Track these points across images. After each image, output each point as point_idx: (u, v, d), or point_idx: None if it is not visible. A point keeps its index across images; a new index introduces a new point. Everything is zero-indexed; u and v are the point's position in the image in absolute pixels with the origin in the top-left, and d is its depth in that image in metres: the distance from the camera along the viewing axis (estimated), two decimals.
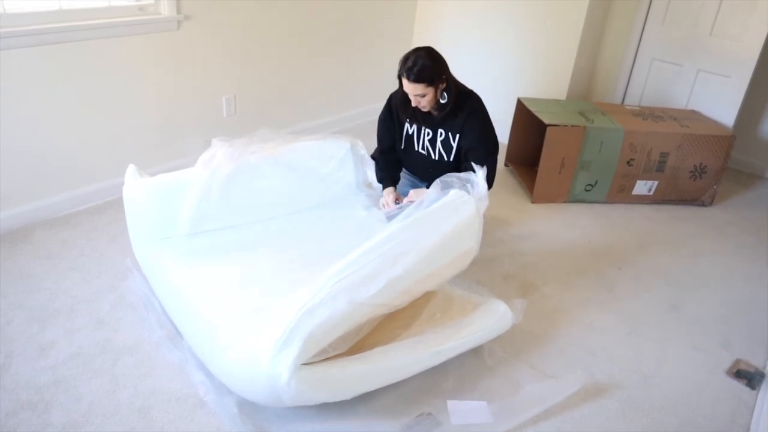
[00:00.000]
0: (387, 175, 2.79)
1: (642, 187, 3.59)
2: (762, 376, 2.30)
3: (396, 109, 2.72)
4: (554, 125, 3.35)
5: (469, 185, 2.17)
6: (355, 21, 4.18)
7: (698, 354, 2.41)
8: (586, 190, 3.57)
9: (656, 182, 3.58)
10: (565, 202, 3.60)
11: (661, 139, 3.45)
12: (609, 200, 3.62)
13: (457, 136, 2.61)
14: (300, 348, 1.71)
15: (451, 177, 2.18)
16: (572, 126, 3.38)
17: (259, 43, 3.64)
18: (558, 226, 3.33)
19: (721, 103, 3.83)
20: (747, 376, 2.29)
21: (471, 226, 2.10)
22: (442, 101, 2.53)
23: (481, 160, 2.44)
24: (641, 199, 3.64)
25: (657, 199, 3.65)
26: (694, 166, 3.54)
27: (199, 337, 2.05)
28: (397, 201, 2.68)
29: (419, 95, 2.47)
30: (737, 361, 2.38)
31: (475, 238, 2.14)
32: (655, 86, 4.17)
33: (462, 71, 4.53)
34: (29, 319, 2.29)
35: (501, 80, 4.37)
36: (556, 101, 3.83)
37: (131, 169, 2.41)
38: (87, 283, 2.52)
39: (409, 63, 2.41)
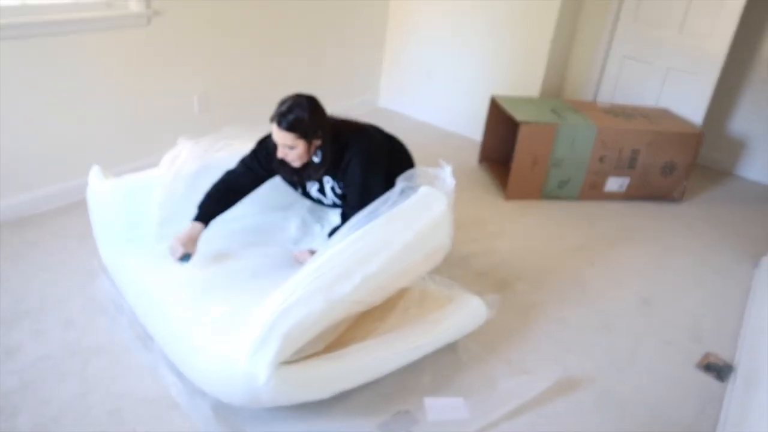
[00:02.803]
0: (209, 206, 2.29)
1: (614, 184, 3.64)
2: (730, 368, 2.34)
3: (268, 158, 2.32)
4: (527, 123, 3.37)
5: (437, 181, 2.17)
6: (328, 19, 4.16)
7: (669, 348, 2.45)
8: (559, 187, 3.61)
9: (628, 179, 3.63)
10: (538, 199, 3.63)
11: (633, 137, 3.50)
12: (582, 197, 3.66)
13: (341, 184, 2.33)
14: (277, 347, 1.69)
15: (418, 171, 2.18)
16: (545, 123, 3.41)
17: (231, 39, 3.60)
18: (531, 223, 3.35)
19: (690, 100, 3.89)
20: (716, 369, 2.34)
21: (443, 222, 2.11)
22: (315, 159, 2.23)
23: (355, 205, 2.18)
24: (613, 196, 3.69)
25: (629, 196, 3.71)
26: (665, 162, 3.60)
27: (171, 340, 2.02)
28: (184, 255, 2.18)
29: (287, 146, 2.14)
30: (707, 355, 2.43)
31: (447, 233, 2.14)
32: (626, 84, 4.23)
33: (435, 70, 4.59)
34: None
35: (474, 79, 4.38)
36: (529, 99, 3.86)
37: (95, 170, 2.35)
38: (55, 284, 2.47)
39: (283, 108, 2.11)
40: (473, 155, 4.14)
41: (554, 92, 4.38)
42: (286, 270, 2.17)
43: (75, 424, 1.84)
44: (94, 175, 2.35)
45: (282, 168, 2.30)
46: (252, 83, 3.85)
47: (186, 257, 2.18)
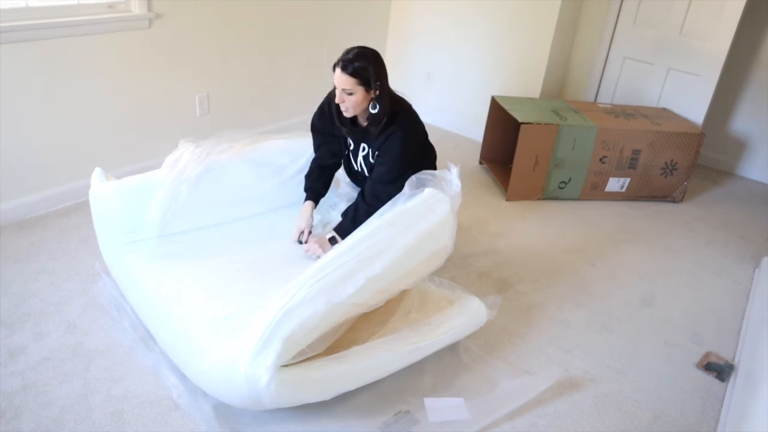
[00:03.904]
0: (310, 186, 2.55)
1: (615, 184, 3.64)
2: (731, 368, 2.35)
3: (330, 109, 2.45)
4: (528, 123, 3.38)
5: (443, 183, 2.18)
6: (329, 20, 4.16)
7: (670, 348, 2.45)
8: (560, 188, 3.61)
9: (628, 179, 3.63)
10: (539, 199, 3.64)
11: (633, 137, 3.50)
12: (582, 197, 3.67)
13: (376, 154, 2.40)
14: (279, 350, 1.69)
15: (425, 174, 2.18)
16: (546, 124, 3.41)
17: (233, 41, 3.61)
18: (532, 224, 3.35)
19: (691, 100, 3.90)
20: (717, 369, 2.34)
21: (446, 224, 2.11)
22: (372, 111, 2.28)
23: (379, 183, 2.32)
24: (614, 196, 3.69)
25: (629, 196, 3.71)
26: (665, 163, 3.60)
27: (173, 341, 2.02)
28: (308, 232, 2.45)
29: (346, 91, 2.21)
30: (707, 354, 2.43)
31: (450, 235, 2.15)
32: (627, 84, 4.23)
33: (436, 71, 4.59)
34: None
35: (475, 79, 4.39)
36: (530, 99, 3.86)
37: (97, 172, 2.36)
38: (57, 286, 2.48)
39: (350, 55, 2.20)
40: (474, 156, 4.14)
41: (555, 93, 4.38)
42: (288, 270, 2.18)
43: (77, 426, 1.85)
44: (96, 177, 2.36)
45: (335, 116, 2.39)
46: (253, 85, 3.85)
47: (300, 242, 2.42)
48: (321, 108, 2.51)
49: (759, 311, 2.56)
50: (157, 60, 3.25)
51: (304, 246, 2.40)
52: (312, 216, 2.51)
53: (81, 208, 3.04)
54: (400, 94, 2.44)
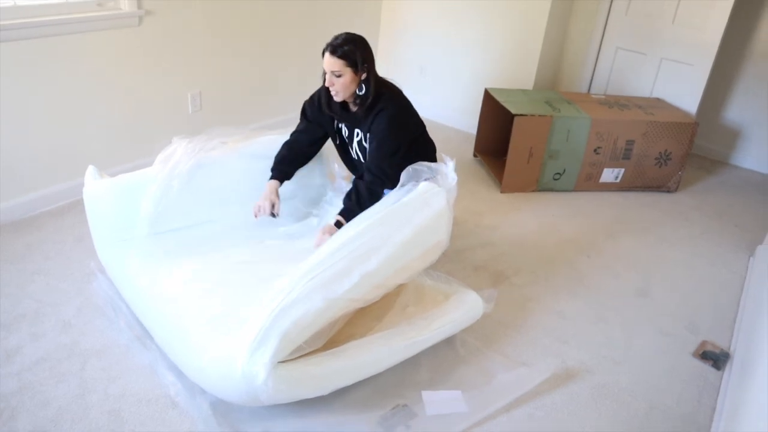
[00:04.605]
0: (279, 167, 2.54)
1: (609, 175, 3.65)
2: (727, 356, 2.36)
3: (321, 99, 2.50)
4: (522, 115, 3.37)
5: (439, 176, 2.17)
6: (320, 17, 4.14)
7: (665, 338, 2.46)
8: (555, 179, 3.61)
9: (623, 170, 3.63)
10: (533, 191, 3.64)
11: (627, 127, 3.51)
12: (577, 188, 3.67)
13: (368, 135, 2.43)
14: (276, 346, 1.69)
15: (421, 165, 2.18)
16: (539, 116, 3.41)
17: (224, 38, 3.59)
18: (527, 216, 3.36)
19: (685, 90, 3.90)
20: (713, 357, 2.35)
21: (442, 218, 2.10)
22: (359, 92, 2.35)
23: (372, 162, 2.35)
24: (608, 187, 3.70)
25: (624, 187, 3.71)
26: (659, 153, 3.61)
27: (169, 339, 2.02)
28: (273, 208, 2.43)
29: (335, 73, 2.28)
30: (703, 343, 2.44)
31: (446, 230, 2.14)
32: (620, 75, 4.23)
33: (428, 65, 4.58)
34: None
35: (468, 71, 4.38)
36: (523, 91, 3.86)
37: (90, 170, 2.35)
38: (52, 286, 2.47)
39: (338, 40, 2.29)
40: (468, 148, 4.14)
41: (548, 84, 4.38)
42: (283, 266, 2.17)
43: (74, 426, 1.84)
44: (90, 175, 2.35)
45: (325, 101, 2.44)
46: (246, 82, 3.84)
47: (272, 216, 2.42)
48: (312, 97, 2.57)
49: (754, 299, 2.57)
50: (149, 57, 3.23)
51: (315, 240, 2.36)
52: (277, 195, 2.48)
53: (75, 207, 3.02)
54: (390, 80, 2.49)
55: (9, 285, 2.45)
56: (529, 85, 4.14)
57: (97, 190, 2.31)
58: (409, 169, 2.17)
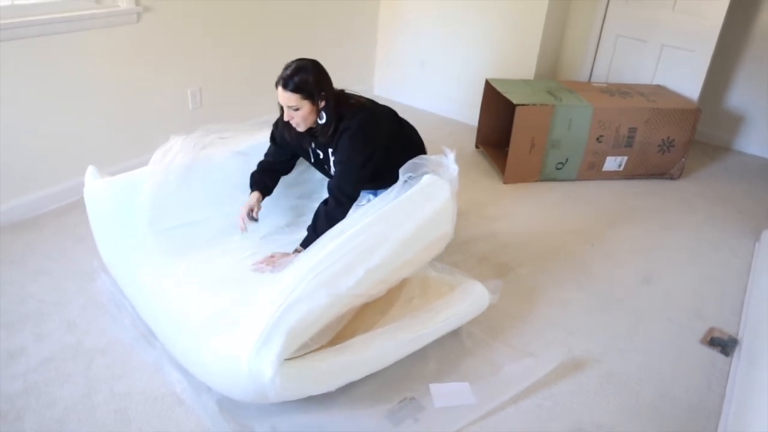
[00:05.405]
0: (258, 181, 2.46)
1: (612, 163, 3.63)
2: (735, 342, 2.34)
3: (280, 133, 2.42)
4: (523, 105, 3.35)
5: (440, 168, 2.15)
6: (319, 12, 4.12)
7: (672, 325, 2.45)
8: (557, 169, 3.59)
9: (626, 158, 3.61)
10: (536, 181, 3.62)
11: (629, 115, 3.48)
12: (580, 177, 3.65)
13: (335, 156, 2.32)
14: (282, 344, 1.68)
15: (422, 159, 2.16)
16: (541, 105, 3.38)
17: (223, 33, 3.57)
18: (530, 206, 3.34)
19: (686, 77, 3.87)
20: (721, 344, 2.34)
21: (446, 210, 2.09)
22: (320, 121, 2.23)
23: (335, 185, 2.25)
24: (612, 175, 3.68)
25: (627, 175, 3.69)
26: (662, 140, 3.58)
27: (174, 338, 2.01)
28: (251, 212, 2.39)
29: (292, 107, 2.16)
30: (711, 330, 2.42)
31: (450, 221, 2.13)
32: (620, 63, 4.20)
33: (428, 58, 4.56)
34: None
35: (468, 64, 4.36)
36: (524, 81, 3.84)
37: (90, 170, 2.35)
38: (55, 286, 2.46)
39: (288, 71, 2.15)
40: (470, 140, 4.12)
41: (549, 74, 4.35)
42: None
43: (80, 425, 1.84)
44: (90, 174, 2.34)
45: (290, 134, 2.33)
46: (246, 78, 3.82)
47: (253, 220, 2.38)
48: (277, 124, 2.44)
49: (761, 285, 2.55)
50: (148, 55, 3.21)
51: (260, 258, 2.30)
52: (260, 204, 2.42)
53: (75, 207, 3.01)
54: (352, 92, 2.36)
55: (11, 285, 2.44)
56: (529, 75, 4.11)
57: (98, 189, 2.30)
58: (409, 163, 2.15)
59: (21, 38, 2.67)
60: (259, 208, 2.41)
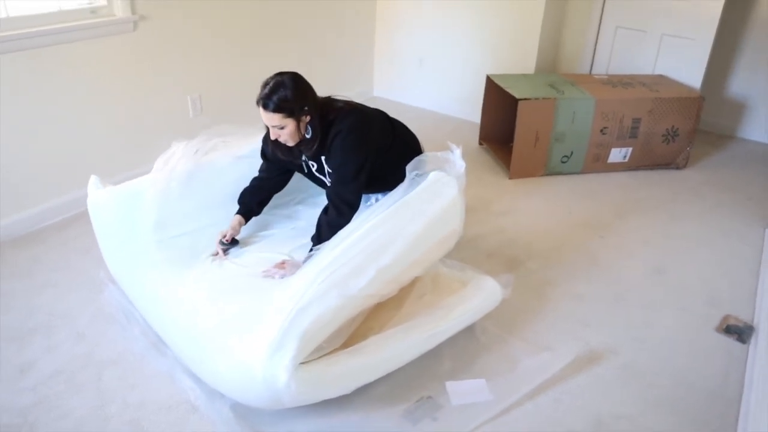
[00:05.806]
0: (245, 201, 2.41)
1: (617, 155, 3.60)
2: (751, 329, 2.32)
3: (269, 148, 2.37)
4: (525, 99, 3.33)
5: (447, 165, 2.13)
6: (317, 14, 4.11)
7: (687, 314, 2.42)
8: (563, 162, 3.57)
9: (630, 149, 3.59)
10: (542, 175, 3.60)
11: (632, 106, 3.46)
12: (585, 170, 3.63)
13: (330, 164, 2.27)
14: (296, 348, 1.66)
15: (428, 156, 2.14)
16: (543, 99, 3.36)
17: (221, 39, 3.55)
18: (537, 200, 3.32)
19: (687, 65, 3.85)
20: (737, 331, 2.31)
21: (454, 206, 2.07)
22: (307, 136, 2.18)
23: (333, 192, 2.20)
24: (617, 167, 3.65)
25: (632, 166, 3.67)
26: (666, 129, 3.56)
27: (185, 345, 1.99)
28: (225, 241, 2.32)
29: (277, 126, 2.12)
30: (726, 317, 2.40)
31: (459, 218, 2.11)
32: (621, 54, 4.18)
33: (427, 56, 4.54)
34: (5, 339, 2.21)
35: (468, 60, 4.34)
36: (525, 76, 3.82)
37: (93, 180, 2.33)
38: (62, 298, 2.44)
39: (267, 90, 2.09)
40: (473, 137, 4.10)
41: (549, 67, 4.33)
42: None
43: None
44: (93, 185, 2.32)
45: (279, 150, 2.27)
46: (246, 82, 3.77)
47: (233, 242, 2.34)
48: (265, 140, 2.37)
49: None
50: (146, 63, 3.19)
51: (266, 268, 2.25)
52: (239, 229, 2.37)
53: (79, 218, 2.99)
54: (345, 98, 2.33)
55: (18, 299, 2.42)
56: (530, 69, 4.10)
57: (101, 199, 2.28)
58: (415, 160, 2.13)
59: (17, 51, 2.65)
60: (237, 232, 2.35)
